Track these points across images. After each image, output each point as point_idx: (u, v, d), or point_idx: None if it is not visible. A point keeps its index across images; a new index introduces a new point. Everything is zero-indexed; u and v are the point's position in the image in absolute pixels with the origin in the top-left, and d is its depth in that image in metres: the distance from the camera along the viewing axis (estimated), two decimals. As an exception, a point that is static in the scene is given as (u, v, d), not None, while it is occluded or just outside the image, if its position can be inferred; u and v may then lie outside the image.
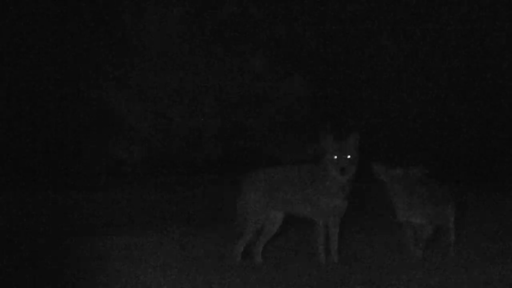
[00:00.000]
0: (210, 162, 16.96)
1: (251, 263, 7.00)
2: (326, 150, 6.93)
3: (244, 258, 7.04)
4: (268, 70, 17.25)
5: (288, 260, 7.18)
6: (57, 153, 16.80)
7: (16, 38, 16.71)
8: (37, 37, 16.76)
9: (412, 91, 17.31)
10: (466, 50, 17.17)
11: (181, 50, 17.17)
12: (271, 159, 16.32)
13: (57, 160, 16.70)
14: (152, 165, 17.03)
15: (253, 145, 17.07)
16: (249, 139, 17.09)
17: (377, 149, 16.01)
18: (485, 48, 17.13)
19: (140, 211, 11.62)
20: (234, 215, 7.10)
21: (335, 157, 6.88)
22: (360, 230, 9.05)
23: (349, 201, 6.99)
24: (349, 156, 6.86)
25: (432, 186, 7.22)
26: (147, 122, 17.01)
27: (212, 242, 8.21)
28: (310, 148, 16.86)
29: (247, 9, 17.24)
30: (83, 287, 6.09)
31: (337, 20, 17.28)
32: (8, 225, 10.16)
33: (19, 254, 7.57)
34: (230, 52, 17.16)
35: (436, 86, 17.27)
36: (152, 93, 17.04)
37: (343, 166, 6.84)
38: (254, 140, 17.11)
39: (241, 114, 17.16)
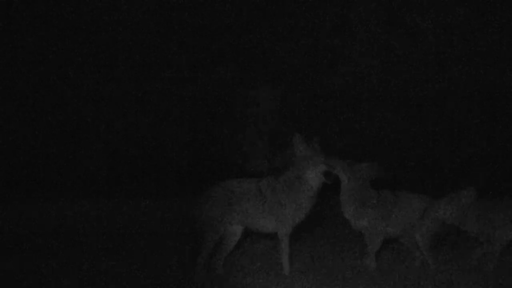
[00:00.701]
0: (177, 171, 16.91)
1: (214, 275, 6.89)
2: (300, 151, 6.83)
3: (207, 271, 6.90)
4: (237, 79, 17.26)
5: (252, 271, 7.07)
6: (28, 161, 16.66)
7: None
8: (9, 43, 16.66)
9: (384, 101, 17.37)
10: (437, 56, 17.26)
11: (149, 59, 17.17)
12: (239, 169, 16.25)
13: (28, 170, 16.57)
14: (118, 174, 16.94)
15: (221, 154, 17.03)
16: (218, 149, 17.07)
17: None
18: (458, 56, 17.22)
19: (103, 221, 11.46)
20: (192, 228, 6.96)
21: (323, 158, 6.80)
22: (326, 239, 8.97)
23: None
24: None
25: (386, 196, 6.90)
26: (113, 130, 16.95)
27: (177, 254, 8.05)
28: (278, 158, 16.82)
29: (215, 18, 17.27)
30: None
31: (307, 30, 17.33)
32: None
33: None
34: (198, 61, 17.16)
35: (410, 97, 17.33)
36: (119, 101, 17.00)
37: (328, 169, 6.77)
38: (222, 149, 17.08)
39: (210, 123, 17.15)
